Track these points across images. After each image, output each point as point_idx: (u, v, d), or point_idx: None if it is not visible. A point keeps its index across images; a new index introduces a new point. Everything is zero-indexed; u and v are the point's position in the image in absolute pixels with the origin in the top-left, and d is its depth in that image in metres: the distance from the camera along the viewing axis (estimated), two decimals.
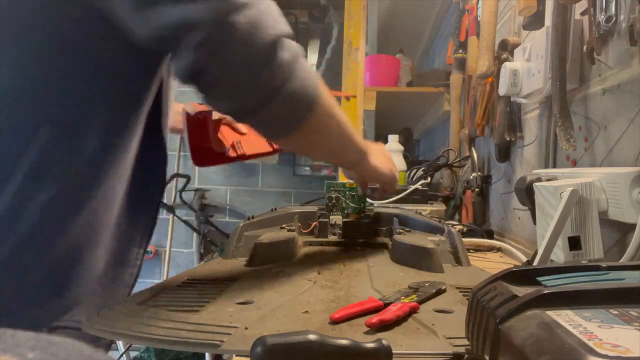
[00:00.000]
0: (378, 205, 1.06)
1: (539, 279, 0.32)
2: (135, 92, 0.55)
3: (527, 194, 0.64)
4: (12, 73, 0.48)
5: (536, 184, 0.60)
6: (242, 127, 0.82)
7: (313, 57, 2.94)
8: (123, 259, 0.65)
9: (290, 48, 0.48)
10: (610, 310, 0.26)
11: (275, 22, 0.47)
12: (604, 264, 0.34)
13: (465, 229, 1.01)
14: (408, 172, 1.51)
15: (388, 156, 0.77)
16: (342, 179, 0.96)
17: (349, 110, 1.65)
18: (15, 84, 0.48)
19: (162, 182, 0.68)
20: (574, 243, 0.51)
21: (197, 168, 3.07)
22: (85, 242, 0.56)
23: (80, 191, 0.53)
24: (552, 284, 0.31)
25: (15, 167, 0.48)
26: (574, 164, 0.70)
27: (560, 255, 0.52)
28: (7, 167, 0.48)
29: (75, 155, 0.51)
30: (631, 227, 0.48)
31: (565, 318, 0.26)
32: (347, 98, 1.66)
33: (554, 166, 0.78)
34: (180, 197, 2.23)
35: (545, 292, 0.28)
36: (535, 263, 0.49)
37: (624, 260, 0.47)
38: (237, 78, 0.46)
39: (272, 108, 0.49)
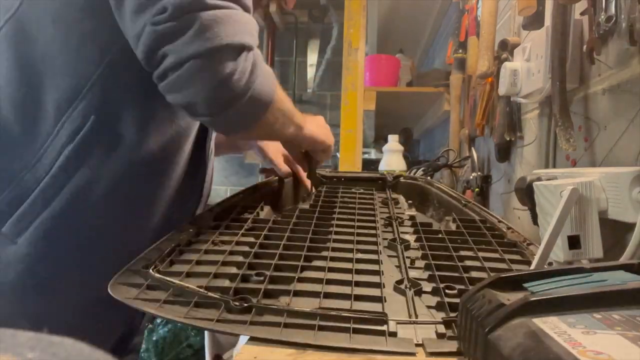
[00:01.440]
0: None
1: (525, 285, 0.33)
2: None
3: (526, 193, 0.64)
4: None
5: (536, 183, 0.60)
6: None
7: (313, 57, 2.94)
8: None
9: (250, 57, 0.51)
10: (594, 315, 0.27)
11: (243, 32, 0.49)
12: (587, 266, 0.34)
13: None
14: (408, 172, 1.51)
15: (324, 125, 0.80)
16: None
17: (349, 110, 1.65)
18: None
19: (200, 194, 0.72)
20: (574, 242, 0.52)
21: None
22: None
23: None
24: (538, 289, 0.32)
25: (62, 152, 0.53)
26: (574, 164, 0.70)
27: (559, 254, 0.52)
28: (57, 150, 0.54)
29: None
30: (631, 227, 0.48)
31: (551, 325, 0.26)
32: None
33: (554, 166, 0.78)
34: None
35: (531, 299, 0.29)
36: (534, 262, 0.49)
37: (623, 259, 0.47)
38: (190, 72, 0.47)
39: (230, 112, 0.51)
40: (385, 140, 1.63)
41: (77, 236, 0.56)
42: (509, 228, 0.66)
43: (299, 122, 0.71)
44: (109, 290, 0.43)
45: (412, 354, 0.36)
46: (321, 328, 0.39)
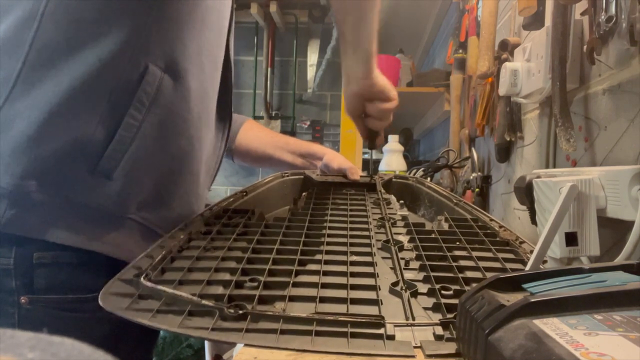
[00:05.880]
0: None
1: (524, 285, 0.33)
2: None
3: (526, 193, 0.64)
4: None
5: (535, 180, 0.60)
6: None
7: (313, 57, 2.94)
8: (209, 168, 0.75)
9: None
10: (595, 316, 0.27)
11: None
12: (586, 266, 0.34)
13: None
14: (408, 172, 1.51)
15: None
16: None
17: None
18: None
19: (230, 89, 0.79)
20: (571, 239, 0.52)
21: None
22: (185, 157, 0.65)
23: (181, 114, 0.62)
24: (537, 290, 0.32)
25: (135, 93, 0.57)
26: (574, 164, 0.70)
27: (556, 250, 0.52)
28: (130, 92, 0.56)
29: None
30: (630, 226, 0.48)
31: (552, 327, 0.26)
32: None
33: (554, 166, 0.78)
34: None
35: (532, 300, 0.28)
36: (532, 257, 0.48)
37: (621, 256, 0.47)
38: None
39: None
40: (386, 140, 1.63)
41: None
42: (501, 226, 0.66)
43: (374, 59, 0.75)
44: (99, 301, 0.42)
45: (412, 357, 0.36)
46: (318, 333, 0.38)
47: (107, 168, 0.56)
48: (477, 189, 1.18)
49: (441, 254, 0.55)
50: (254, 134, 1.00)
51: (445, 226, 0.67)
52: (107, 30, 0.55)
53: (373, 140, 0.87)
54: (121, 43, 0.55)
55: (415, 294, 0.46)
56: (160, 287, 0.43)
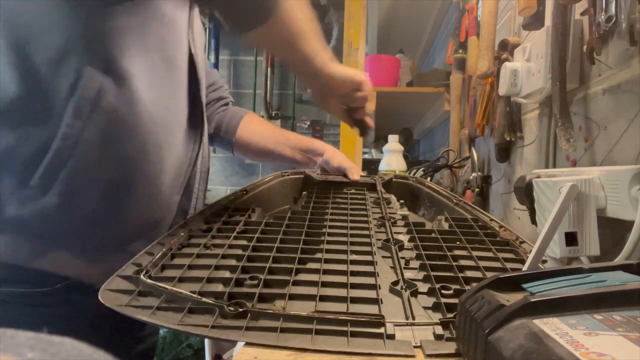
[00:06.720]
0: None
1: (524, 285, 0.33)
2: None
3: (526, 193, 0.64)
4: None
5: (535, 180, 0.60)
6: None
7: None
8: (179, 173, 0.71)
9: None
10: (595, 316, 0.27)
11: None
12: (586, 266, 0.34)
13: None
14: (408, 172, 1.51)
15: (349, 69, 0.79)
16: None
17: None
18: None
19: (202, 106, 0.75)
20: (571, 239, 0.52)
21: None
22: (137, 164, 0.60)
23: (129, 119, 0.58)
24: (537, 290, 0.32)
25: (68, 102, 0.53)
26: (574, 164, 0.70)
27: (556, 250, 0.52)
28: (62, 102, 0.53)
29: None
30: (630, 226, 0.48)
31: (552, 327, 0.26)
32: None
33: (554, 166, 0.78)
34: None
35: (531, 300, 0.28)
36: (531, 256, 0.48)
37: (621, 256, 0.47)
38: None
39: None
40: (385, 140, 1.63)
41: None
42: (501, 226, 0.66)
43: (324, 55, 0.70)
44: (99, 297, 0.42)
45: (412, 357, 0.36)
46: (318, 332, 0.38)
47: (44, 183, 0.53)
48: (477, 189, 1.18)
49: (441, 253, 0.55)
50: (255, 127, 0.99)
51: (446, 226, 0.67)
52: (39, 37, 0.52)
53: (362, 128, 0.88)
54: (53, 49, 0.52)
55: (415, 293, 0.46)
56: (160, 284, 0.44)
